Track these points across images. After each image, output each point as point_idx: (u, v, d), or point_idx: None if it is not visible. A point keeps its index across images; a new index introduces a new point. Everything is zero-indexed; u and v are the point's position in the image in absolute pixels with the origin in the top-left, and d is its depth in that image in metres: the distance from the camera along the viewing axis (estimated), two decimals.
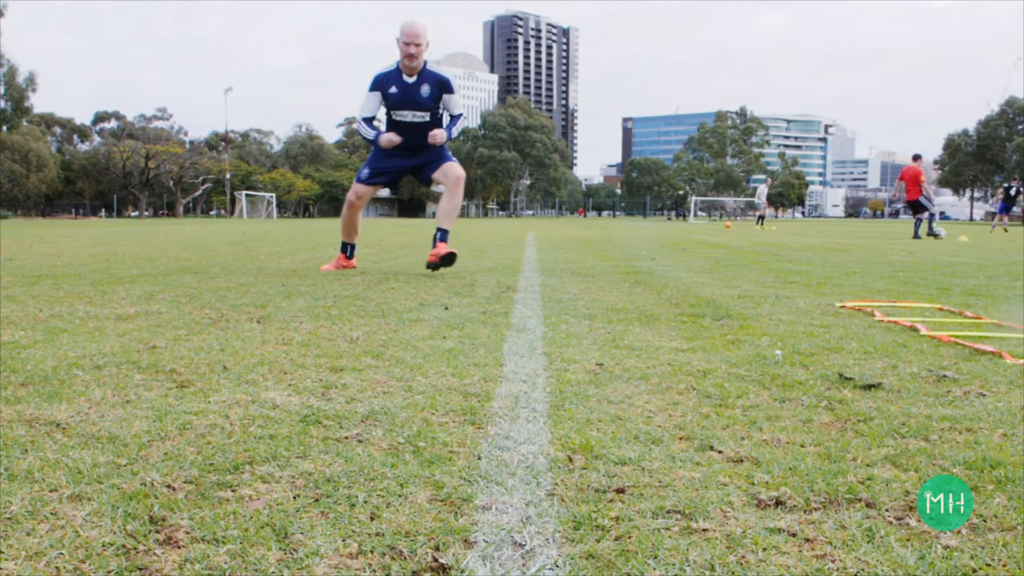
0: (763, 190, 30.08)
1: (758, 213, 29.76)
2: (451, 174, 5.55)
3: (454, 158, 5.69)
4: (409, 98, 5.47)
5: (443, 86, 5.52)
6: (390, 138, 5.50)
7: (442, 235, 5.52)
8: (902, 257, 8.39)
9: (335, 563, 1.09)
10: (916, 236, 15.35)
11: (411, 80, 5.47)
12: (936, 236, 15.11)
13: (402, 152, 5.64)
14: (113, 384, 2.10)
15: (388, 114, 5.62)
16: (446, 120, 5.65)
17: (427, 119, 5.53)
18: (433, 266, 5.43)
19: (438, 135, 5.46)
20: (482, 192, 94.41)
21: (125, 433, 1.65)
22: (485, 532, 1.19)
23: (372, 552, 1.12)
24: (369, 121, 5.68)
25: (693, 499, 1.31)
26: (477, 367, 2.36)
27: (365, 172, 5.76)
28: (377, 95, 5.56)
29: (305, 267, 6.33)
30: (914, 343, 2.83)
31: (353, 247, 6.05)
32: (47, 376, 2.17)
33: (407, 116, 5.52)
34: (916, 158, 16.59)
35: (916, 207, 16.09)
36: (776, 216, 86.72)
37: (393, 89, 5.49)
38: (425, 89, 5.48)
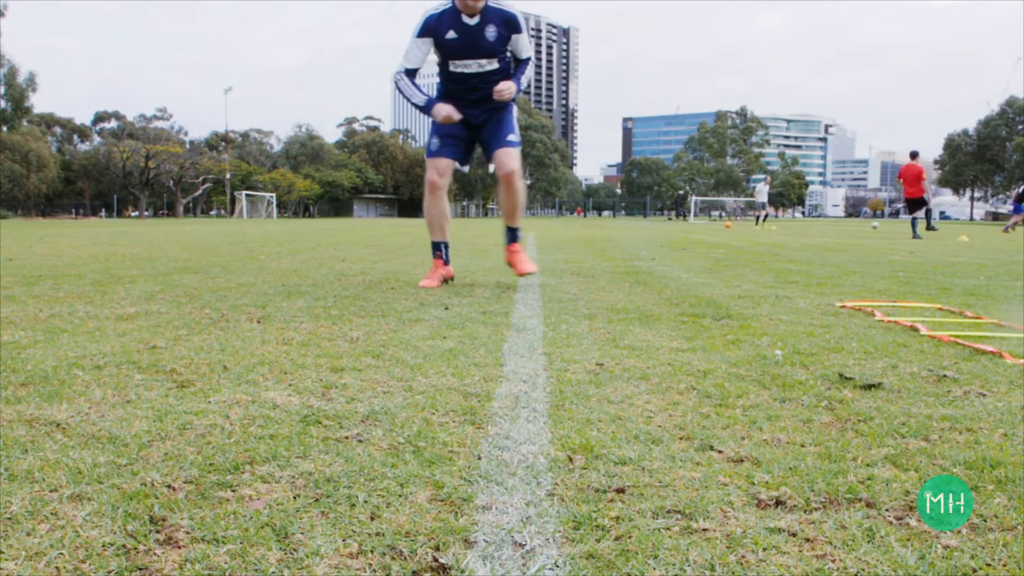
0: (763, 188, 30.10)
1: (756, 213, 29.76)
2: (503, 168, 4.53)
3: (516, 126, 4.63)
4: (472, 43, 4.42)
5: (511, 24, 4.45)
6: (449, 113, 4.45)
7: (511, 235, 4.74)
8: (902, 257, 8.39)
9: (335, 563, 1.09)
10: (916, 236, 15.33)
11: (473, 21, 4.39)
12: (934, 228, 15.13)
13: (465, 108, 4.56)
14: (113, 384, 2.10)
15: (443, 65, 4.57)
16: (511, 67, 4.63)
17: (495, 67, 4.50)
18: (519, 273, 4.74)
19: (506, 89, 4.42)
20: (482, 192, 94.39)
21: (125, 433, 1.65)
22: (485, 532, 1.19)
23: (372, 552, 1.12)
24: (412, 75, 4.60)
25: (693, 499, 1.31)
26: (477, 367, 2.36)
27: (435, 141, 4.60)
28: (427, 42, 4.47)
29: (305, 267, 6.33)
30: (914, 343, 2.83)
31: (447, 247, 4.73)
32: (47, 376, 2.18)
33: (470, 66, 4.48)
34: (914, 156, 16.57)
35: (915, 205, 16.05)
36: (776, 216, 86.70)
37: (451, 34, 4.41)
38: (491, 31, 4.41)
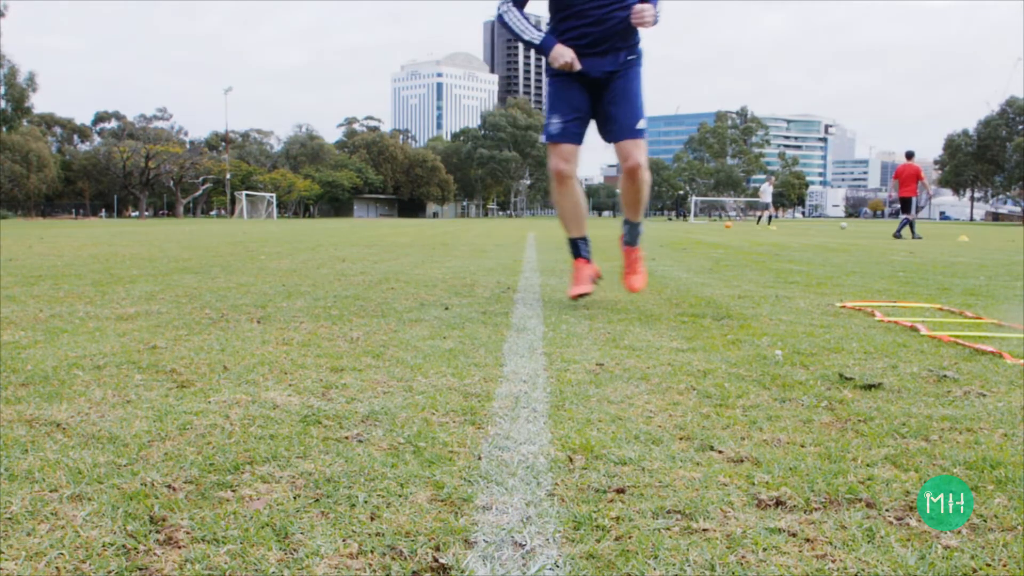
0: (766, 188, 30.12)
1: (759, 213, 29.74)
2: (629, 160, 3.67)
3: (642, 103, 3.71)
4: None
5: None
6: (571, 60, 3.53)
7: (631, 234, 3.94)
8: (902, 257, 8.39)
9: (335, 563, 1.09)
10: (915, 236, 15.31)
11: None
12: (913, 239, 15.01)
13: (586, 56, 3.59)
14: (113, 384, 2.10)
15: None
16: None
17: None
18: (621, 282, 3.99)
19: (647, 11, 3.46)
20: (482, 192, 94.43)
21: (125, 433, 1.65)
22: (485, 532, 1.19)
23: (372, 552, 1.12)
24: (521, 4, 3.79)
25: (693, 499, 1.31)
26: (477, 367, 2.36)
27: (555, 123, 3.70)
28: None
29: (305, 267, 6.33)
30: (914, 343, 2.83)
31: (587, 242, 3.94)
32: (47, 376, 2.18)
33: None
34: (910, 156, 16.52)
35: (908, 205, 15.98)
36: (776, 216, 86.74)
37: None
38: None
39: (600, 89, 3.67)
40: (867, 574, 1.07)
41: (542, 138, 3.81)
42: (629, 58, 3.64)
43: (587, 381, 2.18)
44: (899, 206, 16.33)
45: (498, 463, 1.49)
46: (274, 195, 60.54)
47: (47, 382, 2.11)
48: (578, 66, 3.54)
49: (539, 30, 3.71)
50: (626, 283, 3.94)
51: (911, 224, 15.78)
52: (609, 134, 3.74)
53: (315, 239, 12.72)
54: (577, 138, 3.73)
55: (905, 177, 16.08)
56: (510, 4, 3.75)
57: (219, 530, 1.18)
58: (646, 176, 3.75)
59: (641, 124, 3.69)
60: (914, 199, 15.89)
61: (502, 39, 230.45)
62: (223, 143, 76.47)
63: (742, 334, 2.98)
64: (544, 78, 3.90)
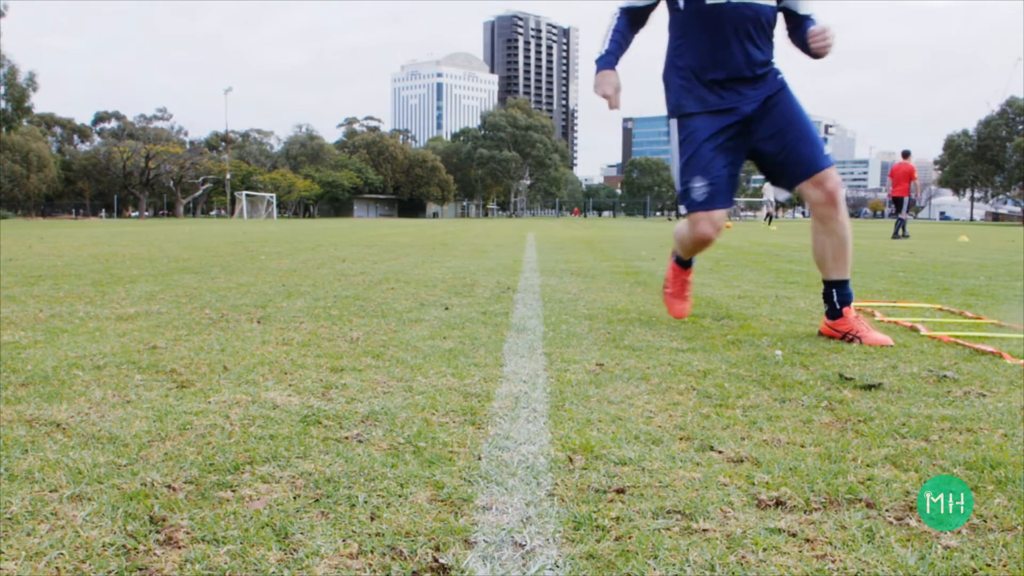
0: (769, 188, 30.13)
1: (766, 211, 29.72)
2: (826, 191, 2.88)
3: (824, 145, 2.97)
4: None
5: None
6: (610, 93, 2.99)
7: (841, 295, 2.94)
8: (902, 257, 8.39)
9: (335, 563, 1.09)
10: (905, 235, 15.30)
11: None
12: (905, 237, 15.05)
13: (731, 89, 2.89)
14: (113, 384, 2.10)
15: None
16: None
17: (772, 3, 2.88)
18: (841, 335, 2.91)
19: (828, 35, 2.82)
20: (482, 192, 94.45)
21: (125, 433, 1.65)
22: (485, 532, 1.19)
23: (372, 552, 1.12)
24: (636, 17, 3.07)
25: (693, 499, 1.31)
26: (477, 367, 2.35)
27: (701, 186, 2.93)
28: None
29: (305, 267, 6.33)
30: (914, 343, 2.83)
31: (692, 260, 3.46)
32: (47, 376, 2.18)
33: None
34: (906, 155, 16.51)
35: (900, 204, 15.99)
36: (777, 216, 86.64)
37: None
38: None
39: (751, 124, 2.91)
40: (867, 574, 1.07)
41: (682, 208, 3.02)
42: (779, 76, 2.95)
43: (587, 381, 2.18)
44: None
45: (498, 463, 1.49)
46: (274, 195, 60.55)
47: (47, 382, 2.11)
48: (616, 105, 3.02)
49: (616, 43, 3.04)
50: (868, 342, 2.81)
51: (903, 223, 15.79)
52: (790, 176, 2.94)
53: (315, 239, 12.72)
54: (728, 198, 2.98)
55: (899, 176, 16.10)
56: (621, 14, 3.07)
57: (219, 530, 1.18)
58: (846, 215, 2.96)
59: (829, 149, 2.97)
60: (906, 199, 15.90)
61: (502, 39, 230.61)
62: (223, 143, 76.47)
63: (742, 334, 2.98)
64: (670, 119, 3.04)
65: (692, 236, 3.07)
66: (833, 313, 2.94)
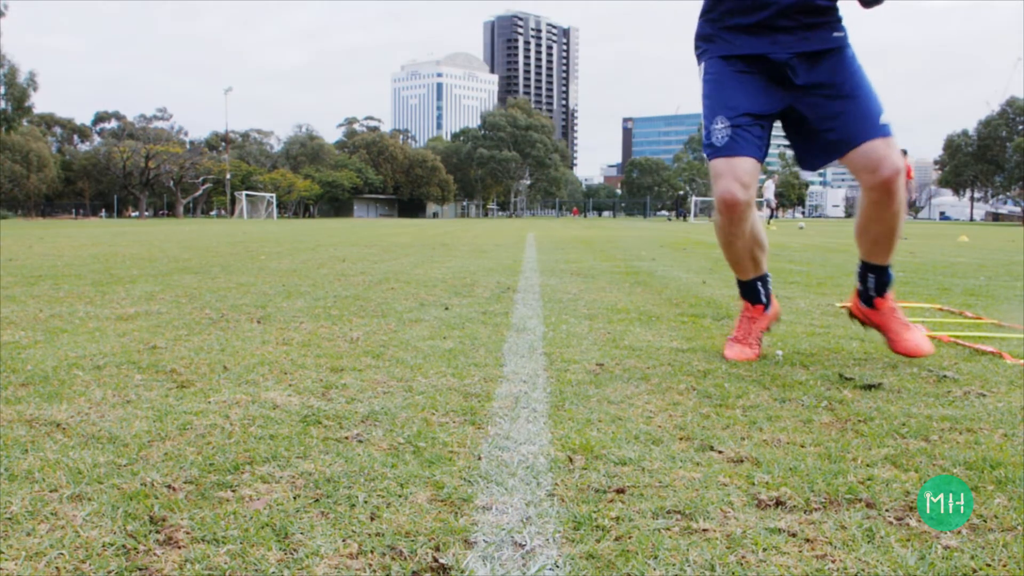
0: (769, 185, 30.15)
1: (768, 210, 29.72)
2: (883, 167, 2.42)
3: (881, 108, 2.48)
4: None
5: None
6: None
7: (880, 279, 2.71)
8: (902, 257, 8.39)
9: (335, 563, 1.09)
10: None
11: None
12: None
13: (760, 39, 2.46)
14: (113, 384, 2.10)
15: None
16: None
17: None
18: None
19: None
20: (482, 192, 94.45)
21: (125, 433, 1.65)
22: (485, 532, 1.19)
23: (372, 552, 1.12)
24: None
25: (693, 499, 1.31)
26: (477, 367, 2.35)
27: (722, 129, 2.46)
28: None
29: (305, 267, 6.33)
30: None
31: (765, 281, 2.70)
32: (47, 376, 2.17)
33: None
34: (903, 153, 16.50)
35: None
36: (777, 216, 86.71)
37: None
38: None
39: (787, 76, 2.45)
40: (867, 574, 1.07)
41: (704, 153, 2.53)
42: (836, 35, 2.47)
43: (587, 381, 2.18)
44: None
45: (498, 463, 1.49)
46: (274, 195, 60.53)
47: (47, 382, 2.11)
48: None
49: None
50: (900, 348, 2.53)
51: None
52: (836, 144, 2.49)
53: (315, 239, 12.72)
54: (757, 149, 2.46)
55: None
56: None
57: (219, 530, 1.18)
58: (904, 194, 2.52)
59: (885, 118, 2.47)
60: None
61: (502, 39, 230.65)
62: (223, 143, 76.45)
63: None
64: (698, 66, 2.63)
65: (716, 206, 2.49)
66: (866, 298, 2.63)
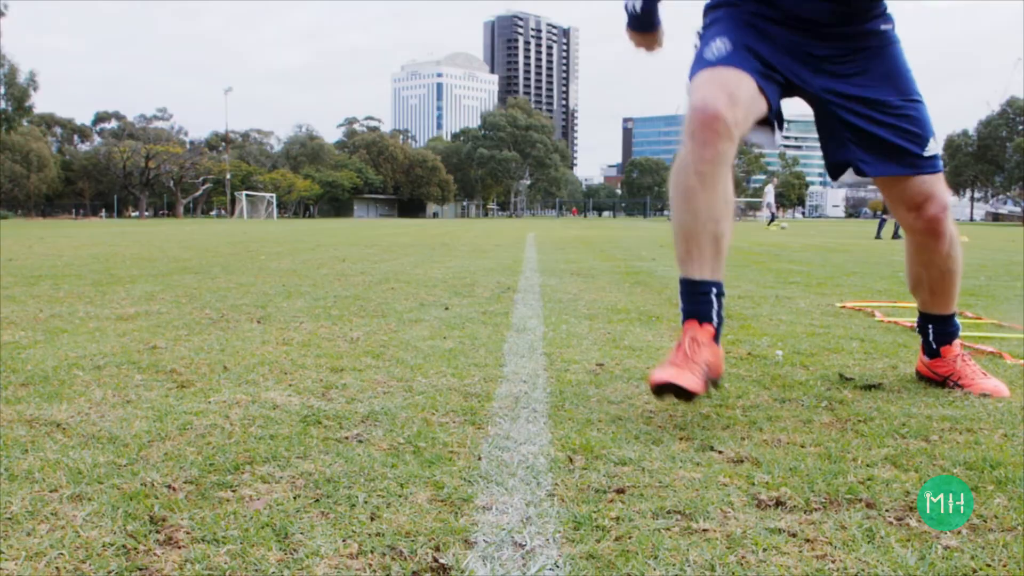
0: (769, 189, 30.20)
1: (769, 212, 29.72)
2: (929, 205, 2.11)
3: (936, 138, 2.11)
4: None
5: None
6: (645, 44, 2.19)
7: (939, 331, 2.24)
8: (902, 257, 8.39)
9: (335, 563, 1.09)
10: (878, 236, 15.29)
11: None
12: (898, 238, 15.06)
13: (802, 33, 1.98)
14: (113, 384, 2.10)
15: None
16: None
17: None
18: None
19: None
20: (482, 192, 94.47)
21: (125, 433, 1.65)
22: (485, 532, 1.19)
23: (372, 552, 1.12)
24: None
25: (693, 499, 1.31)
26: (477, 367, 2.35)
27: (719, 44, 1.92)
28: None
29: (305, 267, 6.33)
30: (914, 343, 2.82)
31: (719, 291, 1.84)
32: (47, 376, 2.17)
33: None
34: None
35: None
36: (777, 216, 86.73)
37: None
38: None
39: (820, 62, 2.00)
40: (867, 574, 1.07)
41: (689, 78, 1.96)
42: (884, 28, 2.07)
43: (587, 381, 2.18)
44: None
45: (498, 463, 1.49)
46: (274, 195, 60.56)
47: (47, 382, 2.11)
48: (659, 47, 2.21)
49: None
50: (977, 392, 2.10)
51: (882, 223, 15.76)
52: (874, 160, 2.06)
53: (315, 239, 12.72)
54: (749, 64, 1.90)
55: None
56: None
57: (219, 530, 1.18)
58: (956, 234, 2.19)
59: (933, 144, 2.09)
60: None
61: (502, 39, 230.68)
62: (223, 143, 76.45)
63: (742, 334, 2.98)
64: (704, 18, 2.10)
65: (686, 127, 1.83)
66: (929, 351, 2.25)
